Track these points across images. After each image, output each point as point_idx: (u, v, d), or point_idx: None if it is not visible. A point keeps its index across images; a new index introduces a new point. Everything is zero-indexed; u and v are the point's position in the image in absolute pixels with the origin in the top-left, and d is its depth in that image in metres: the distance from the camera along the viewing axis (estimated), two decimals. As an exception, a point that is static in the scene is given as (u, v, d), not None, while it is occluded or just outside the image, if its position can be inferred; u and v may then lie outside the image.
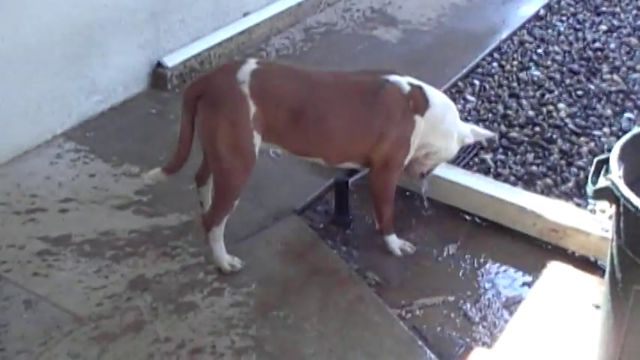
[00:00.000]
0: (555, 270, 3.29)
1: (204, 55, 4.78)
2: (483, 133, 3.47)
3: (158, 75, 4.59)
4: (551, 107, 4.39)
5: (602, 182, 2.34)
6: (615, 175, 2.29)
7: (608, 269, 2.44)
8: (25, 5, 3.74)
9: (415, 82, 3.23)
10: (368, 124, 3.11)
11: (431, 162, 3.36)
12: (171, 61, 4.62)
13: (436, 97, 3.25)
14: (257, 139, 3.01)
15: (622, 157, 2.39)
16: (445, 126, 3.25)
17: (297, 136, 3.10)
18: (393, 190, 3.29)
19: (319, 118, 3.06)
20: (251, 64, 3.04)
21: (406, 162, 3.24)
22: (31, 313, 2.95)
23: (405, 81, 3.19)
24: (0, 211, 3.50)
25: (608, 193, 2.31)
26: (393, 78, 3.18)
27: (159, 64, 4.60)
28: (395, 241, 3.35)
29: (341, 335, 2.91)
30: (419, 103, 3.17)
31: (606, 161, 2.39)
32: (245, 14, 5.18)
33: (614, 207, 2.33)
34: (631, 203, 2.19)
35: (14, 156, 3.87)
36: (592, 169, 2.43)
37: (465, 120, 4.17)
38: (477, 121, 4.21)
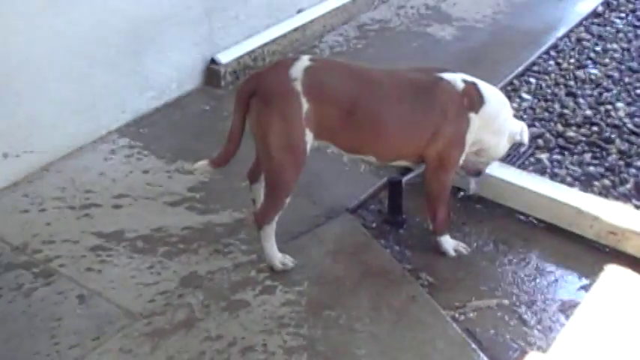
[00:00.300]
0: (613, 273, 3.22)
1: (258, 52, 4.78)
2: (527, 137, 3.35)
3: (212, 72, 4.60)
4: (609, 106, 4.31)
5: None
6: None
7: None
8: (81, 2, 3.77)
9: (469, 78, 3.19)
10: (422, 122, 3.08)
11: (481, 159, 3.32)
12: (225, 57, 4.63)
13: (491, 93, 3.20)
14: (309, 137, 3.00)
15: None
16: (499, 123, 3.21)
17: (350, 133, 3.07)
18: (449, 189, 3.24)
19: (372, 116, 3.03)
20: (304, 61, 3.03)
21: (461, 160, 3.19)
22: (85, 308, 2.98)
23: (459, 78, 3.15)
24: (55, 207, 3.54)
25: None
26: (447, 75, 3.14)
27: (212, 61, 4.61)
28: (449, 242, 3.31)
29: (393, 336, 2.88)
30: (473, 100, 3.13)
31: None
32: (299, 11, 5.17)
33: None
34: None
35: (69, 152, 3.91)
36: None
37: (521, 119, 4.12)
38: (532, 120, 4.14)
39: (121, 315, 2.95)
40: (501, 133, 3.23)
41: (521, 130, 3.28)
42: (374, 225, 3.48)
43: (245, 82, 3.12)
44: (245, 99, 3.01)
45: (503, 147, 3.29)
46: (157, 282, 3.11)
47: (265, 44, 4.84)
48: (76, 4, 3.76)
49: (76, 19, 3.77)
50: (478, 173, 3.39)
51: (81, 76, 3.89)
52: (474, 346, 2.85)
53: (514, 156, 3.82)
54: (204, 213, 3.51)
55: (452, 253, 3.30)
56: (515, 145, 3.37)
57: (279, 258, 3.17)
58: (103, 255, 3.25)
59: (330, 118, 3.01)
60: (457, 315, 3.01)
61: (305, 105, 2.95)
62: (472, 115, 3.12)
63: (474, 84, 3.17)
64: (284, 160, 3.00)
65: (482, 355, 2.82)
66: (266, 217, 3.11)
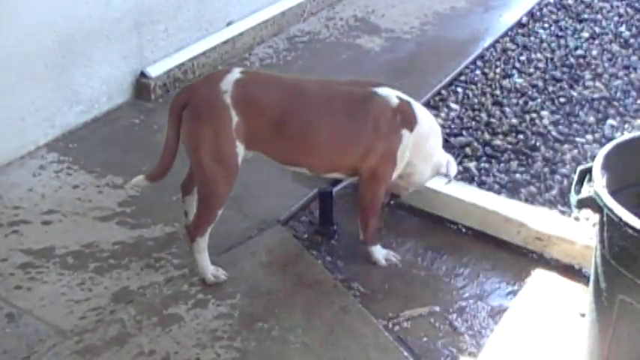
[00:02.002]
0: (540, 278, 3.29)
1: (188, 65, 4.77)
2: (454, 170, 3.40)
3: (142, 85, 4.58)
4: (534, 115, 4.40)
5: (586, 192, 2.35)
6: (599, 185, 2.30)
7: (592, 278, 2.45)
8: (7, 15, 3.72)
9: (404, 97, 3.21)
10: (354, 136, 3.10)
11: (402, 183, 3.35)
12: (155, 71, 4.61)
13: (424, 116, 3.24)
14: (240, 149, 3.01)
15: (605, 166, 2.39)
16: (428, 148, 3.24)
17: (282, 145, 3.09)
18: (380, 202, 3.28)
19: (304, 128, 3.06)
20: (235, 73, 3.04)
21: (394, 176, 3.23)
22: (14, 327, 2.93)
23: (393, 94, 3.17)
24: (-18, 224, 3.48)
25: (591, 203, 2.32)
26: (382, 90, 3.16)
27: (142, 75, 4.58)
28: (380, 252, 3.34)
29: (326, 347, 2.89)
30: (407, 118, 3.15)
31: (589, 170, 2.40)
32: (228, 24, 5.16)
33: (597, 216, 2.34)
34: (614, 213, 2.19)
35: (-3, 167, 3.85)
36: (575, 178, 2.44)
37: (449, 128, 4.19)
38: (460, 129, 4.22)
39: (52, 333, 2.90)
40: (428, 160, 3.26)
41: (447, 163, 3.32)
42: (305, 236, 3.50)
43: (178, 94, 3.12)
44: (178, 111, 3.02)
45: (427, 176, 3.33)
46: (87, 298, 3.08)
47: (195, 57, 4.82)
48: (3, 19, 3.70)
49: (3, 33, 3.72)
50: (393, 195, 3.43)
51: (8, 91, 3.83)
52: (406, 354, 2.89)
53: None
54: (135, 227, 3.48)
55: (383, 262, 3.33)
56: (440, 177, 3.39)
57: (211, 271, 3.16)
58: (32, 272, 3.20)
59: (260, 130, 3.02)
60: (390, 324, 3.04)
61: (235, 117, 2.96)
62: (405, 131, 3.14)
63: (408, 102, 3.20)
64: (216, 172, 3.00)
65: (414, 362, 2.86)
66: (199, 230, 3.10)
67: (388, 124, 3.10)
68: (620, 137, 2.60)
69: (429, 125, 3.24)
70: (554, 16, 5.77)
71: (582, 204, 2.37)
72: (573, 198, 2.38)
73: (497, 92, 4.67)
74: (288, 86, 3.12)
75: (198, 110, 2.99)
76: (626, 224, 2.16)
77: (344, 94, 3.13)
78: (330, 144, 3.11)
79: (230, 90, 2.98)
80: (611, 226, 2.25)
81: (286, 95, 3.07)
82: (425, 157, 3.25)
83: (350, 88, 3.17)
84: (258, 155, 3.15)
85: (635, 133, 2.69)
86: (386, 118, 3.10)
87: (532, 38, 5.42)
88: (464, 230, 3.56)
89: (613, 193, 2.28)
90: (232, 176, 3.04)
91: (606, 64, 4.99)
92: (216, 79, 3.04)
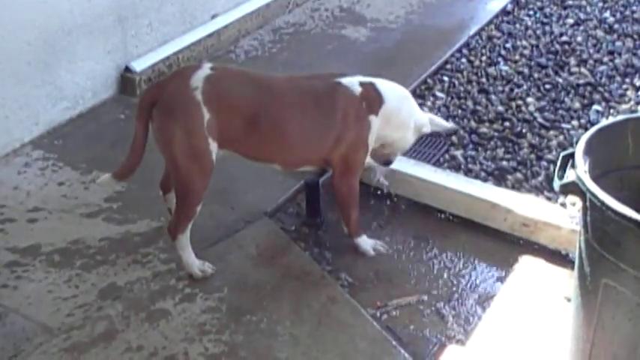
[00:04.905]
0: (527, 264, 3.30)
1: (173, 59, 4.75)
2: (443, 123, 3.48)
3: (126, 80, 4.55)
4: (520, 102, 4.40)
5: (569, 177, 2.35)
6: (581, 170, 2.30)
7: (576, 263, 2.44)
8: (-13, 14, 3.71)
9: (366, 80, 3.22)
10: (323, 128, 3.11)
11: (387, 152, 3.36)
12: (140, 65, 4.59)
13: (390, 91, 3.24)
14: (213, 146, 2.99)
15: (587, 152, 2.39)
16: (401, 118, 3.25)
17: (253, 142, 3.08)
18: (357, 191, 3.28)
19: (274, 124, 3.05)
20: (205, 69, 3.02)
21: (366, 161, 3.24)
22: (1, 326, 2.92)
23: (356, 82, 3.18)
24: (-32, 223, 3.46)
25: (574, 188, 2.32)
26: (344, 80, 3.17)
27: (127, 69, 4.56)
28: (366, 242, 3.34)
29: (314, 338, 2.90)
30: (372, 102, 3.17)
31: (572, 156, 2.40)
32: (213, 16, 5.15)
33: (581, 201, 2.34)
34: (597, 198, 2.19)
35: (-19, 166, 3.83)
36: (558, 163, 2.44)
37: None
38: (447, 118, 4.21)
39: (39, 331, 2.90)
40: (405, 127, 3.28)
41: (428, 122, 3.35)
42: (293, 228, 3.50)
43: (146, 91, 3.12)
44: (147, 108, 3.00)
45: (408, 140, 3.35)
46: (75, 295, 3.07)
47: (180, 51, 4.80)
48: (-17, 16, 3.69)
49: (-17, 31, 3.71)
50: (387, 163, 3.44)
51: (-10, 88, 3.81)
52: (394, 342, 2.90)
53: (429, 154, 3.89)
54: (121, 223, 3.47)
55: (371, 252, 3.34)
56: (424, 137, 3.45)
57: (197, 265, 3.15)
58: (18, 271, 3.19)
59: (232, 127, 3.00)
60: (378, 314, 3.04)
61: (206, 115, 2.94)
62: (372, 117, 3.16)
63: (371, 84, 3.21)
64: (190, 169, 2.99)
65: (402, 351, 2.86)
66: (179, 227, 3.09)
67: (355, 113, 3.12)
68: (602, 122, 2.60)
69: (396, 99, 3.24)
70: (538, 3, 5.76)
71: (565, 189, 2.37)
72: (556, 183, 2.38)
73: (483, 80, 4.67)
74: (258, 82, 3.10)
75: (168, 107, 2.96)
76: (609, 208, 2.15)
77: (309, 89, 3.14)
78: (301, 138, 3.11)
79: (201, 86, 2.95)
80: (594, 211, 2.25)
81: (256, 91, 3.06)
82: (400, 125, 3.26)
83: (314, 82, 3.18)
84: (229, 154, 3.14)
85: (616, 118, 2.69)
86: (352, 107, 3.12)
87: (517, 25, 5.42)
88: (451, 218, 3.56)
89: (596, 178, 2.28)
90: (208, 172, 3.02)
91: (591, 50, 4.99)
92: (186, 75, 3.01)
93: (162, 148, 3.02)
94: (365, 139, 3.16)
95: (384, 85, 3.24)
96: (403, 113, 3.25)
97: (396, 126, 3.24)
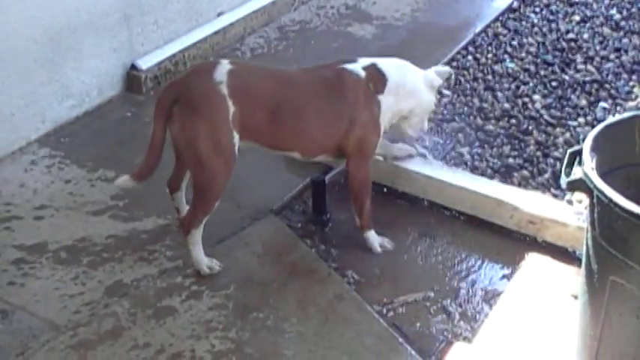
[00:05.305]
0: (534, 262, 3.30)
1: (179, 57, 4.75)
2: (445, 69, 3.59)
3: (132, 78, 4.56)
4: (526, 99, 4.39)
5: (576, 174, 2.35)
6: (588, 167, 2.29)
7: (584, 260, 2.44)
8: (-5, 11, 3.71)
9: (367, 61, 3.30)
10: (336, 114, 3.17)
11: (414, 120, 3.42)
12: (146, 63, 4.59)
13: (389, 67, 3.32)
14: (236, 139, 3.03)
15: (594, 148, 2.39)
16: (408, 87, 3.33)
17: (274, 132, 3.13)
18: (370, 180, 3.31)
19: (293, 113, 3.11)
20: (225, 64, 3.05)
21: (378, 145, 3.32)
22: (8, 323, 2.93)
23: (359, 66, 3.26)
24: (-25, 221, 3.47)
25: (581, 185, 2.32)
26: (349, 66, 3.25)
27: (133, 67, 4.57)
28: (375, 238, 3.35)
29: (321, 335, 2.90)
30: (377, 82, 3.25)
31: (579, 153, 2.40)
32: (219, 14, 5.15)
33: (588, 198, 2.34)
34: (604, 195, 2.19)
35: (-12, 164, 3.84)
36: (565, 160, 2.43)
37: (441, 114, 4.19)
38: (453, 115, 4.21)
39: (46, 328, 2.90)
40: (416, 92, 3.36)
41: (434, 74, 3.43)
42: (299, 225, 3.50)
43: (165, 90, 3.10)
44: (166, 108, 3.00)
45: (427, 101, 3.43)
46: (81, 292, 3.08)
47: (186, 48, 4.80)
48: (-10, 14, 3.69)
49: (-10, 29, 3.71)
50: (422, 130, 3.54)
51: (-3, 86, 3.82)
52: (401, 340, 2.89)
53: (436, 150, 3.88)
54: (127, 221, 3.48)
55: (378, 249, 3.34)
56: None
57: (205, 262, 3.16)
58: (25, 268, 3.20)
59: (255, 118, 3.05)
60: (385, 311, 3.04)
61: (232, 108, 2.97)
62: (380, 97, 3.24)
63: (373, 65, 3.29)
64: (215, 164, 3.00)
65: (409, 348, 2.86)
66: (194, 222, 3.10)
67: (364, 95, 3.20)
68: (610, 119, 2.59)
69: (397, 72, 3.32)
70: (545, 0, 5.74)
71: (572, 186, 2.36)
72: (563, 180, 2.38)
73: (489, 77, 4.65)
74: (276, 75, 3.21)
75: (193, 104, 2.98)
76: (616, 205, 2.15)
77: (320, 77, 3.22)
78: (318, 124, 3.17)
79: (225, 80, 2.98)
80: (601, 208, 2.24)
81: (276, 83, 3.13)
82: (410, 93, 3.34)
83: (323, 71, 3.28)
84: (249, 145, 3.15)
85: (623, 115, 2.69)
86: (361, 90, 3.21)
87: (523, 23, 5.40)
88: (457, 215, 3.56)
89: (603, 175, 2.28)
90: (231, 166, 3.05)
91: (597, 47, 4.97)
92: (208, 71, 3.04)
93: (184, 147, 3.03)
94: (377, 119, 3.23)
95: (384, 63, 3.32)
96: (408, 82, 3.33)
97: (407, 95, 3.32)
